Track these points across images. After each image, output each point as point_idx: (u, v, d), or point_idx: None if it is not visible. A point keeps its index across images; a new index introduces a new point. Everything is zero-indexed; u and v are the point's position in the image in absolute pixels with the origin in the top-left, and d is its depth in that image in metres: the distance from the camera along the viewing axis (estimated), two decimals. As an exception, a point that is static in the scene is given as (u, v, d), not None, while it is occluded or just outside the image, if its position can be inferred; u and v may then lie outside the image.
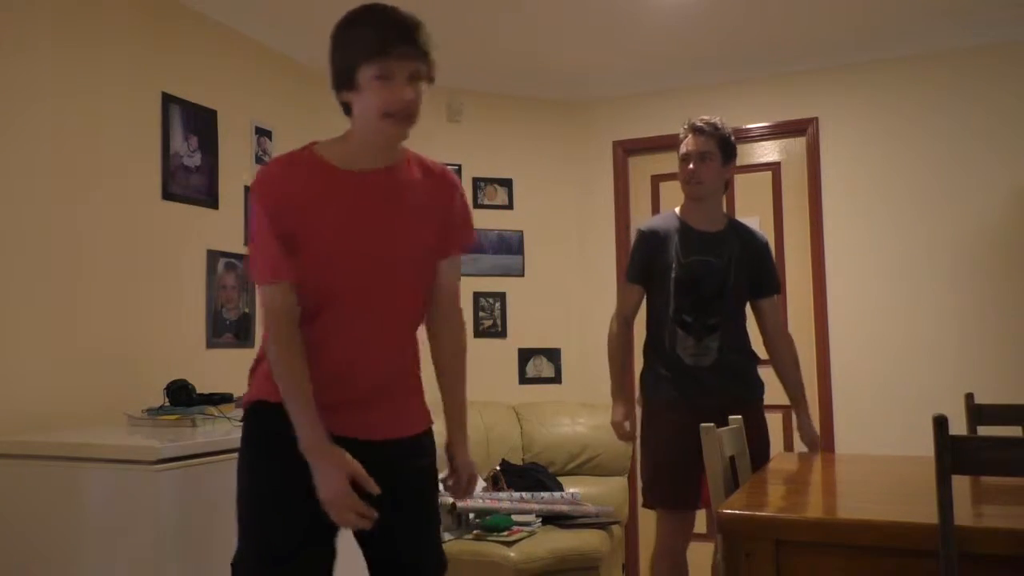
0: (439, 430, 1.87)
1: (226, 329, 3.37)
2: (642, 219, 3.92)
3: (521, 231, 4.46)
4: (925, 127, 3.90)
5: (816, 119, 4.10)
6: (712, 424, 2.02)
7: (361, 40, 1.60)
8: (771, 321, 2.79)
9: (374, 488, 1.63)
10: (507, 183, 4.46)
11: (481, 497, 3.45)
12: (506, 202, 4.45)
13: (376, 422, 1.74)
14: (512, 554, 3.12)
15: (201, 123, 3.30)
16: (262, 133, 3.63)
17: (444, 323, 1.86)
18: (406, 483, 1.76)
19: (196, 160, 3.26)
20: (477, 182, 4.41)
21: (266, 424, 1.69)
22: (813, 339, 4.02)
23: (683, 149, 2.72)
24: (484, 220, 4.33)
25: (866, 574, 1.56)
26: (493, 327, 4.38)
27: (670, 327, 2.69)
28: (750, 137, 4.20)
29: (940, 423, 1.42)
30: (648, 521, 3.98)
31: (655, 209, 4.42)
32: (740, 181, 4.22)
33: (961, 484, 1.92)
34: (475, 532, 3.30)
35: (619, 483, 3.98)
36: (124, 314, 2.90)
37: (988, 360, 3.71)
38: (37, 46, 2.64)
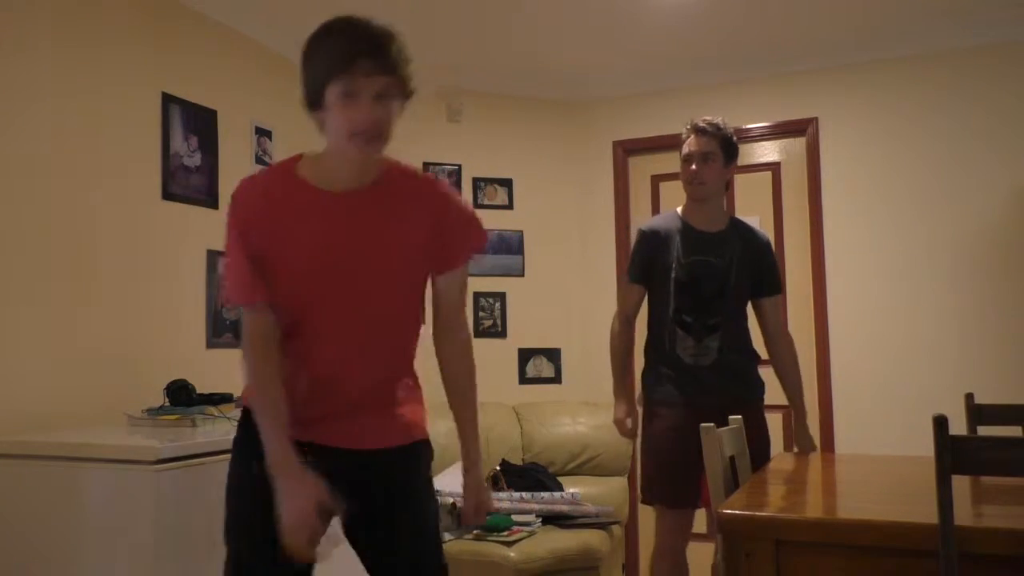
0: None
1: (226, 329, 3.37)
2: (642, 219, 3.93)
3: (521, 231, 4.46)
4: (925, 127, 3.89)
5: (816, 119, 4.10)
6: (712, 424, 2.02)
7: (327, 56, 1.52)
8: (772, 321, 2.79)
9: (335, 510, 1.59)
10: (507, 183, 4.46)
11: (481, 497, 3.44)
12: (506, 202, 4.45)
13: (363, 432, 1.70)
14: (512, 554, 3.12)
15: (201, 123, 3.30)
16: (262, 133, 3.63)
17: (445, 339, 1.81)
18: (399, 492, 1.72)
19: (196, 160, 3.26)
20: (477, 182, 4.41)
21: (255, 427, 1.67)
22: (813, 339, 4.01)
23: (685, 149, 2.72)
24: (484, 220, 4.25)
25: (866, 574, 1.56)
26: (493, 327, 4.38)
27: (670, 327, 2.69)
28: (750, 137, 4.20)
29: (940, 423, 1.42)
30: (648, 521, 3.97)
31: (655, 209, 4.42)
32: (740, 181, 4.22)
33: (961, 484, 1.92)
34: (475, 532, 3.29)
35: (619, 483, 3.98)
36: (124, 314, 2.90)
37: (988, 360, 3.71)
38: (37, 46, 2.64)
